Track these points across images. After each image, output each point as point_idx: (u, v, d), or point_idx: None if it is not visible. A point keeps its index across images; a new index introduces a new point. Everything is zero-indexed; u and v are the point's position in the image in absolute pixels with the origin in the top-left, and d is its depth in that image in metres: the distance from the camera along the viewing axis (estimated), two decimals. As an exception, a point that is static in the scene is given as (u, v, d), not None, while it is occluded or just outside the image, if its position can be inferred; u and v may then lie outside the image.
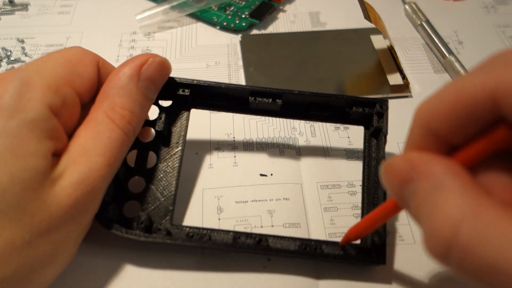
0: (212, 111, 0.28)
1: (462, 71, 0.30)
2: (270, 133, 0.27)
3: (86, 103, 0.21)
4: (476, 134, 0.15)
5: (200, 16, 0.35)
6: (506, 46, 0.33)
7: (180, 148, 0.23)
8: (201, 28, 0.35)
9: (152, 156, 0.23)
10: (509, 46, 0.33)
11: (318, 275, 0.21)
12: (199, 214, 0.24)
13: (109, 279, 0.21)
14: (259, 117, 0.28)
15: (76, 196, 0.18)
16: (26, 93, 0.18)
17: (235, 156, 0.26)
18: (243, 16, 0.35)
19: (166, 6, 0.34)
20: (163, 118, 0.23)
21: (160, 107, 0.24)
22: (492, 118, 0.14)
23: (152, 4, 0.36)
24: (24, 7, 0.36)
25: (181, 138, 0.24)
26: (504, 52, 0.15)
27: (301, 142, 0.27)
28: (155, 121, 0.23)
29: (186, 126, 0.24)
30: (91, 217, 0.20)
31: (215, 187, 0.25)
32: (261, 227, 0.23)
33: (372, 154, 0.24)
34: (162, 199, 0.22)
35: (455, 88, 0.14)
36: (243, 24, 0.34)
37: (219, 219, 0.23)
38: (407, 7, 0.36)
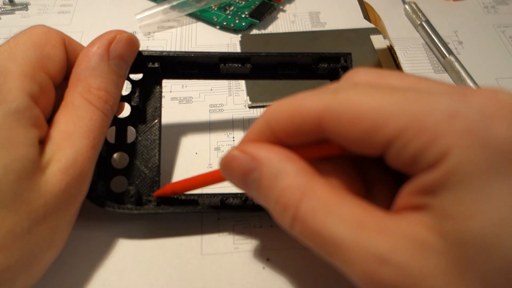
0: (211, 110, 0.28)
1: (462, 71, 0.30)
2: (269, 133, 0.27)
3: (59, 85, 0.20)
4: (307, 143, 0.17)
5: (200, 16, 0.35)
6: (506, 46, 0.33)
7: (157, 120, 0.24)
8: (201, 28, 0.35)
9: (131, 130, 0.23)
10: (509, 46, 0.33)
11: (316, 276, 0.22)
12: (198, 213, 0.24)
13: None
14: (259, 116, 0.28)
15: (67, 181, 0.18)
16: (4, 83, 0.18)
17: (234, 156, 0.26)
18: (243, 16, 0.35)
19: (166, 6, 0.34)
20: (137, 93, 0.23)
21: (131, 81, 0.24)
22: (319, 136, 0.16)
23: (152, 3, 0.36)
24: (24, 6, 0.36)
25: (157, 110, 0.24)
26: (348, 74, 0.18)
27: (301, 142, 0.27)
28: (129, 96, 0.23)
29: (160, 98, 0.24)
30: (83, 198, 0.20)
31: (214, 186, 0.25)
32: (260, 227, 0.23)
33: None
34: (147, 171, 0.23)
35: (295, 102, 0.16)
36: (243, 24, 0.34)
37: (218, 218, 0.23)
38: (407, 7, 0.36)
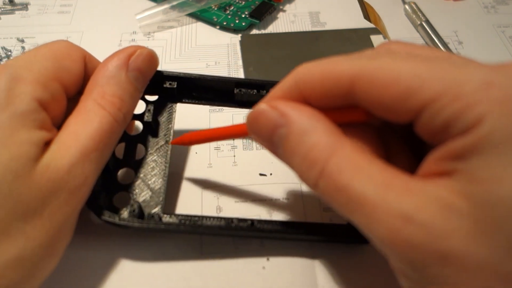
0: (212, 110, 0.28)
1: (462, 71, 0.30)
2: (269, 132, 0.27)
3: (72, 97, 0.21)
4: (334, 107, 0.17)
5: (200, 15, 0.35)
6: (506, 46, 0.33)
7: (168, 139, 0.24)
8: (201, 27, 0.35)
9: (140, 148, 0.23)
10: (509, 46, 0.33)
11: (316, 274, 0.22)
12: (198, 213, 0.24)
13: (103, 272, 0.21)
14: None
15: (68, 180, 0.18)
16: (15, 88, 0.18)
17: (234, 156, 0.26)
18: (243, 16, 0.35)
19: (166, 6, 0.34)
20: (151, 110, 0.23)
21: (146, 101, 0.24)
22: (348, 101, 0.16)
23: (152, 3, 0.36)
24: (24, 6, 0.36)
25: (169, 130, 0.24)
26: (381, 44, 0.18)
27: (301, 142, 0.27)
28: (143, 113, 0.23)
29: (173, 119, 0.24)
30: (83, 203, 0.19)
31: (214, 186, 0.25)
32: (261, 226, 0.23)
33: None
34: (152, 189, 0.22)
35: (328, 64, 0.17)
36: (243, 24, 0.34)
37: (218, 218, 0.23)
38: (407, 7, 0.36)
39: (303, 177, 0.17)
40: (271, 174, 0.25)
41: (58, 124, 0.20)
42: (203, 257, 0.22)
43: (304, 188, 0.25)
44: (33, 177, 0.17)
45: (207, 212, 0.24)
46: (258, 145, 0.27)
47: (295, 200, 0.24)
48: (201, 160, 0.26)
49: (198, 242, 0.22)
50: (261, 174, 0.25)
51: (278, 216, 0.23)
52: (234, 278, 0.21)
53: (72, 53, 0.21)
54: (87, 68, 0.21)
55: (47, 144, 0.18)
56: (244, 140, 0.27)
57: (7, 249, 0.16)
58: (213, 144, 0.27)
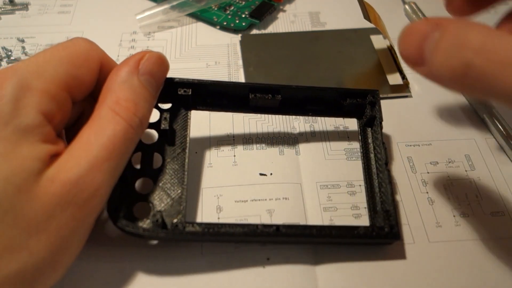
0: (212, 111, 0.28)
1: (462, 71, 0.30)
2: (269, 132, 0.27)
3: (78, 102, 0.21)
4: None
5: (200, 16, 0.35)
6: (506, 46, 0.33)
7: (184, 147, 0.23)
8: (201, 28, 0.35)
9: (157, 157, 0.23)
10: (509, 46, 0.33)
11: (316, 275, 0.22)
12: (198, 213, 0.24)
13: (109, 282, 0.21)
14: (259, 116, 0.28)
15: (75, 193, 0.17)
16: (22, 98, 0.18)
17: (234, 156, 0.26)
18: (243, 16, 0.35)
19: (166, 6, 0.34)
20: (167, 118, 0.23)
21: (160, 109, 0.24)
22: None
23: (152, 3, 0.36)
24: (24, 6, 0.36)
25: (185, 138, 0.24)
26: None
27: (301, 142, 0.27)
28: (158, 122, 0.23)
29: (189, 126, 0.24)
30: (94, 215, 0.19)
31: (214, 186, 0.25)
32: (261, 226, 0.23)
33: (369, 142, 0.25)
34: (172, 198, 0.22)
35: None
36: (243, 24, 0.34)
37: (218, 218, 0.23)
38: (407, 7, 0.36)
39: (451, 61, 0.16)
40: (271, 174, 0.25)
41: (60, 130, 0.20)
42: (203, 256, 0.22)
43: (304, 188, 0.25)
44: (36, 191, 0.17)
45: (207, 212, 0.24)
46: (258, 145, 0.27)
47: (295, 200, 0.24)
48: (201, 160, 0.26)
49: (198, 242, 0.22)
50: (261, 174, 0.25)
51: (278, 216, 0.23)
52: (234, 278, 0.21)
53: (90, 59, 0.20)
54: (102, 71, 0.21)
55: (53, 156, 0.18)
56: (245, 140, 0.27)
57: (8, 264, 0.16)
58: (214, 144, 0.27)
